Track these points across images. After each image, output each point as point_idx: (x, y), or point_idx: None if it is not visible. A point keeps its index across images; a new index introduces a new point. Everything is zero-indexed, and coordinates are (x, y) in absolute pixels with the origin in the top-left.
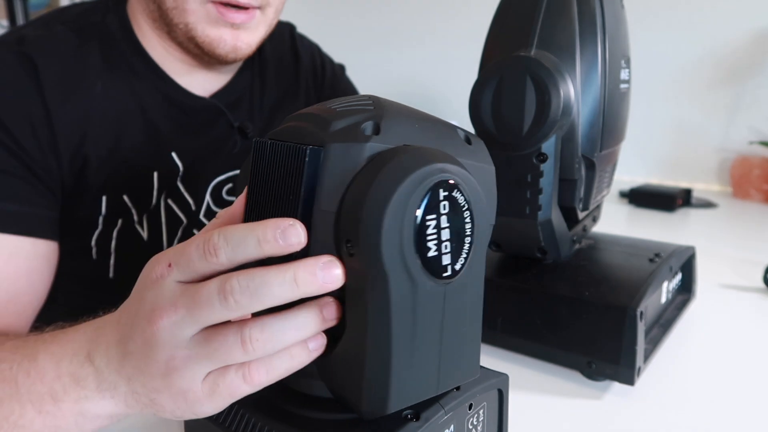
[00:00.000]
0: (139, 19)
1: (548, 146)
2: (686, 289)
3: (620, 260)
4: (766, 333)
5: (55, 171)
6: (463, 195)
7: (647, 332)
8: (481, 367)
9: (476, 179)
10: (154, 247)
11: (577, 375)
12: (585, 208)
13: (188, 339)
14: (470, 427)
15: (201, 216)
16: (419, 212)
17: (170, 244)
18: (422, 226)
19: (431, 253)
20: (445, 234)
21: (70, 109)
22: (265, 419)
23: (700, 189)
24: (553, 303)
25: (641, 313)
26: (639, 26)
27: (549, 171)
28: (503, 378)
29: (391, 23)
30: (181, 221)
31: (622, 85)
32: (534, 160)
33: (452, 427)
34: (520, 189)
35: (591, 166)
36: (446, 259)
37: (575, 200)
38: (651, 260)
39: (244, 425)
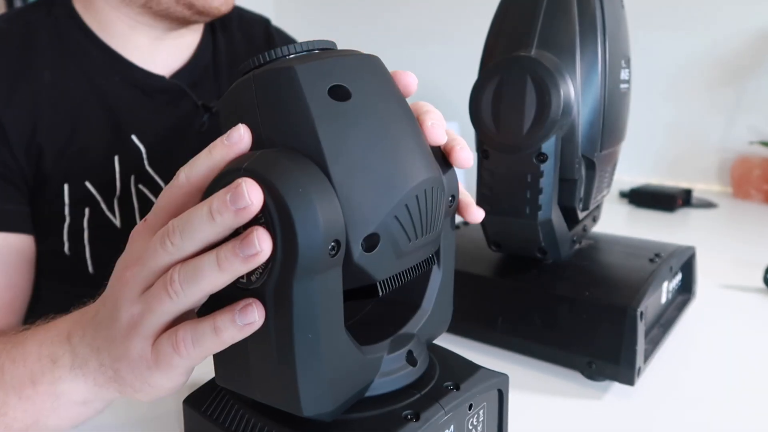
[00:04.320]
0: (92, 5)
1: (548, 146)
2: (686, 289)
3: (620, 260)
4: (766, 333)
5: (12, 163)
6: (264, 209)
7: (647, 332)
8: (481, 367)
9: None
10: (129, 234)
11: (577, 375)
12: (585, 208)
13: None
14: (470, 427)
15: None
16: None
17: None
18: None
19: None
20: None
21: (17, 101)
22: (265, 419)
23: (700, 189)
24: (553, 303)
25: (641, 313)
26: (639, 26)
27: (549, 171)
28: (503, 378)
29: (391, 24)
30: None
31: (622, 85)
32: (534, 160)
33: (452, 427)
34: (520, 189)
35: (591, 166)
36: None
37: (575, 200)
38: (651, 260)
39: (244, 425)
